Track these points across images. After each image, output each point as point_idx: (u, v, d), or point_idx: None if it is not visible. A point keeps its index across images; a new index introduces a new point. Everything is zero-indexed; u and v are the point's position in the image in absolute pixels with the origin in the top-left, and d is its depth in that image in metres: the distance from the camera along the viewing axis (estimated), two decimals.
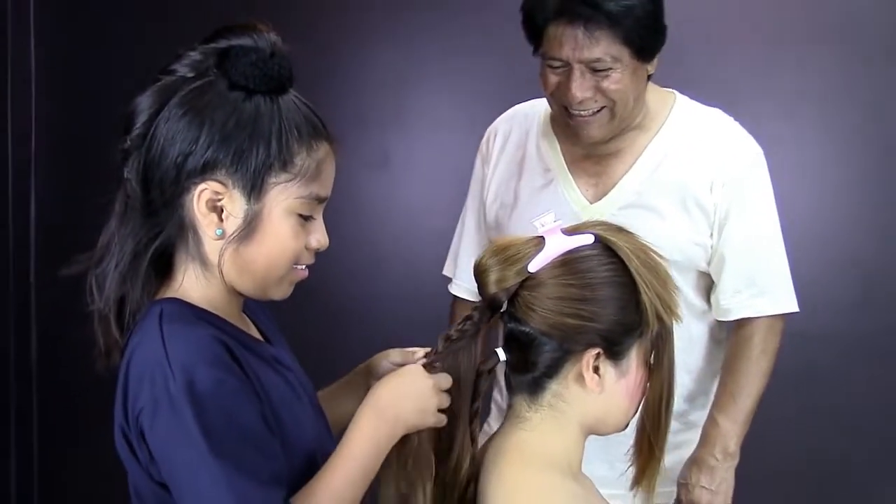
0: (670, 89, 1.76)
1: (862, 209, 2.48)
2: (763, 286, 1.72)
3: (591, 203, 1.70)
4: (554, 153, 1.75)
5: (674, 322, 1.16)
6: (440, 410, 1.15)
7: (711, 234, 1.68)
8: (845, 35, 2.45)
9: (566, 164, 1.73)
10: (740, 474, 2.52)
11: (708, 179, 1.66)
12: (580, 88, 1.56)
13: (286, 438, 1.09)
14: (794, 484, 2.51)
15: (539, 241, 1.15)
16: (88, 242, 1.14)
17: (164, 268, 1.13)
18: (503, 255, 1.15)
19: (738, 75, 2.50)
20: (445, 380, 1.16)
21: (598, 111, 1.60)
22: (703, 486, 1.69)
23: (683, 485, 1.71)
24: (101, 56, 2.85)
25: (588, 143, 1.66)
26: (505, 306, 1.16)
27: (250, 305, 1.21)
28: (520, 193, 1.76)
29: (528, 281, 1.13)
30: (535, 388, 1.16)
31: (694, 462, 1.70)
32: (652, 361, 1.16)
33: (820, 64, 2.47)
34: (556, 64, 1.58)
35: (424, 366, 1.18)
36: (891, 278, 2.46)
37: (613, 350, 1.12)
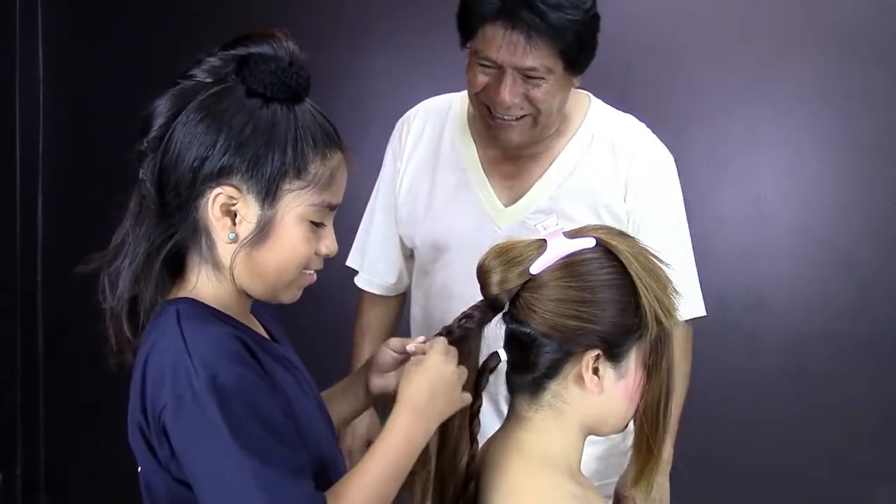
0: (585, 92, 1.73)
1: (859, 211, 2.49)
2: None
3: (505, 206, 1.68)
4: (469, 153, 1.72)
5: (672, 325, 1.18)
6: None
7: None
8: (843, 38, 2.46)
9: (482, 164, 1.70)
10: (740, 474, 2.54)
11: (621, 187, 1.66)
12: (510, 94, 1.53)
13: (301, 438, 1.10)
14: (792, 484, 2.52)
15: (541, 244, 1.17)
16: (94, 242, 1.16)
17: (176, 268, 1.14)
18: (506, 256, 1.17)
19: (735, 78, 2.51)
20: (454, 354, 1.18)
21: (522, 118, 1.57)
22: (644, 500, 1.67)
23: (625, 497, 1.69)
24: (108, 58, 2.86)
25: (505, 147, 1.64)
26: (507, 307, 1.18)
27: (256, 306, 1.22)
28: (434, 192, 1.73)
29: (530, 283, 1.15)
30: (535, 388, 1.17)
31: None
32: (651, 363, 1.17)
33: (817, 67, 2.48)
34: (488, 64, 1.53)
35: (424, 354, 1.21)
36: (888, 280, 2.47)
37: (613, 352, 1.14)
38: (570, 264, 1.14)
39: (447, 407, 1.16)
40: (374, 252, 1.84)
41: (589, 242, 1.16)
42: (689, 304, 1.71)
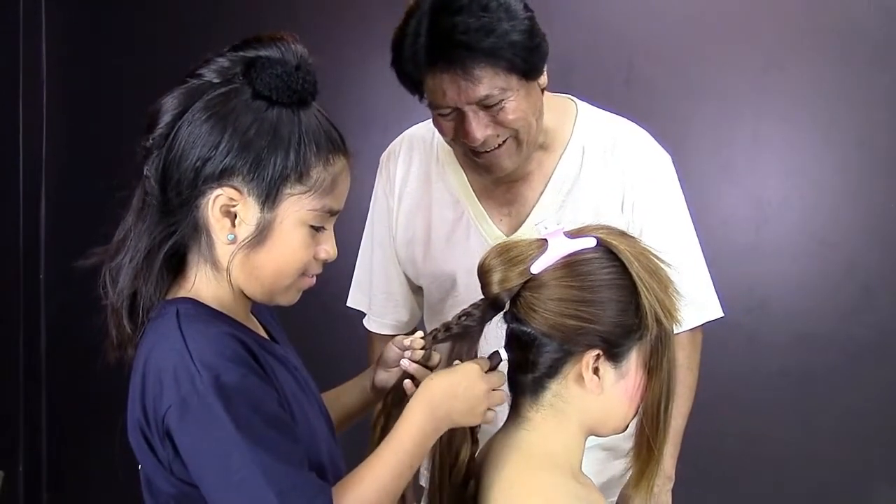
0: (570, 97, 1.67)
1: (862, 212, 2.49)
2: (686, 299, 1.66)
3: (506, 236, 1.61)
4: (461, 183, 1.65)
5: (674, 326, 1.18)
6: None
7: None
8: (845, 39, 2.46)
9: (475, 193, 1.64)
10: (741, 474, 2.53)
11: (617, 200, 1.60)
12: (478, 129, 1.46)
13: (298, 435, 1.10)
14: (794, 485, 2.52)
15: (542, 244, 1.17)
16: (97, 240, 1.16)
17: (176, 266, 1.15)
18: (507, 255, 1.17)
19: (738, 79, 2.51)
20: (499, 379, 1.18)
21: (503, 143, 1.50)
22: None
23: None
24: (111, 57, 2.86)
25: (501, 176, 1.56)
26: (507, 306, 1.18)
27: (256, 306, 1.22)
28: (431, 230, 1.66)
29: (531, 282, 1.15)
30: (536, 388, 1.17)
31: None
32: (651, 364, 1.17)
33: (820, 68, 2.48)
34: (446, 111, 1.47)
35: (424, 347, 1.23)
36: (890, 281, 2.47)
37: (613, 352, 1.14)
38: (570, 264, 1.14)
39: (464, 416, 1.15)
40: (381, 293, 1.77)
41: (590, 242, 1.16)
42: (702, 306, 1.67)
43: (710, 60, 2.53)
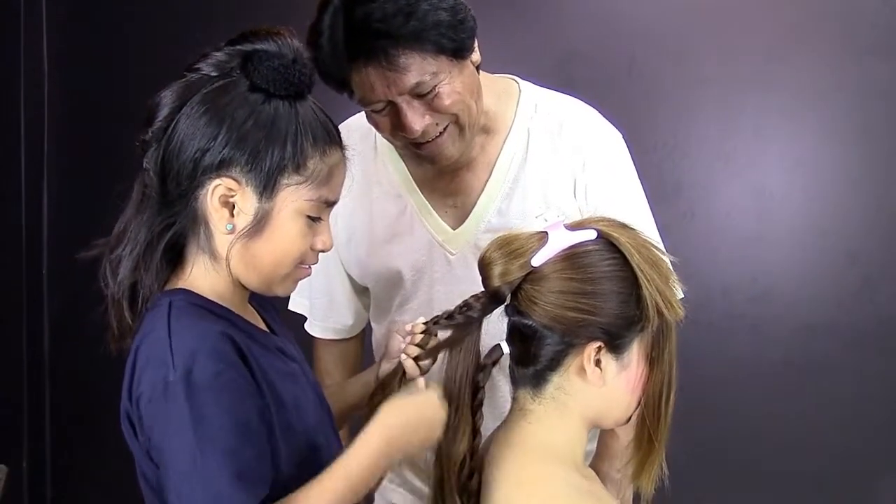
0: (512, 78, 1.59)
1: (864, 203, 2.48)
2: None
3: (453, 229, 1.54)
4: (402, 176, 1.56)
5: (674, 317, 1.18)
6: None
7: None
8: (847, 30, 2.45)
9: (417, 186, 1.55)
10: (743, 465, 2.54)
11: (568, 184, 1.52)
12: (416, 120, 1.37)
13: (289, 426, 1.12)
14: (797, 476, 2.52)
15: (543, 236, 1.17)
16: (100, 234, 1.17)
17: (175, 257, 1.16)
18: (507, 248, 1.17)
19: (739, 71, 2.51)
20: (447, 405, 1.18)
21: (444, 130, 1.42)
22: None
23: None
24: (111, 52, 2.87)
25: (447, 164, 1.48)
26: (508, 299, 1.18)
27: (256, 297, 1.23)
28: (374, 227, 1.58)
29: (532, 275, 1.15)
30: (537, 380, 1.17)
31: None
32: (653, 356, 1.17)
33: (821, 59, 2.47)
34: (379, 107, 1.39)
35: (425, 332, 1.24)
36: (892, 271, 2.47)
37: (615, 344, 1.14)
38: (571, 256, 1.14)
39: (420, 447, 1.15)
40: (321, 296, 1.67)
41: (590, 234, 1.16)
42: None
43: (712, 52, 2.53)
